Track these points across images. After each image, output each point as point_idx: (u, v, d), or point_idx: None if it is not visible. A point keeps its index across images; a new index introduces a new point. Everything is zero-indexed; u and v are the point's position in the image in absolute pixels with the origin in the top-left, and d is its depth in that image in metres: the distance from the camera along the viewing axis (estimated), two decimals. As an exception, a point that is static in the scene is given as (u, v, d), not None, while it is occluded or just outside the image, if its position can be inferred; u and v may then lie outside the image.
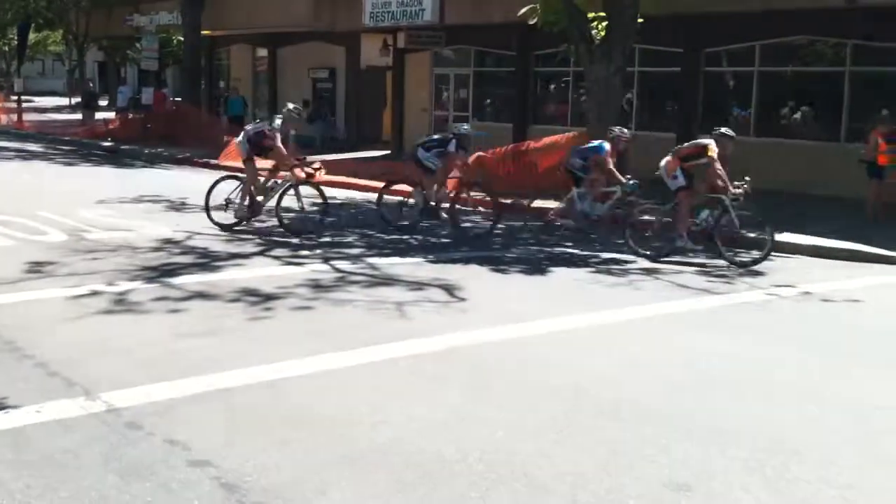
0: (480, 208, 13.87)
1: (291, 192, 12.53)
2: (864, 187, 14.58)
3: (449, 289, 9.27)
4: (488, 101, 24.94)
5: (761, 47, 18.89)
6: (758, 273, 10.79)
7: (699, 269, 10.93)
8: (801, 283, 10.24)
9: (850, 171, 14.98)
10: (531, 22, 16.73)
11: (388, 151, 25.18)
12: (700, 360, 7.12)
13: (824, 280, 10.48)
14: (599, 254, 11.66)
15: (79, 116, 34.44)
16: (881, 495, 4.73)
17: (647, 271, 10.74)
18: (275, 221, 12.48)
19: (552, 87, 23.54)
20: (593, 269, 10.76)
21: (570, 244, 12.17)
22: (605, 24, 16.02)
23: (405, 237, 12.33)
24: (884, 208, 14.24)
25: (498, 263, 10.95)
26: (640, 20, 15.86)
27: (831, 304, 9.41)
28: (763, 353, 7.39)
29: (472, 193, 13.57)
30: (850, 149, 16.09)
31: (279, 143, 12.29)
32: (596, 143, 12.99)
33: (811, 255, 11.91)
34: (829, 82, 18.25)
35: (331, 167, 20.22)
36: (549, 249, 11.86)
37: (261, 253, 11.09)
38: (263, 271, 9.90)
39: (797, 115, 18.87)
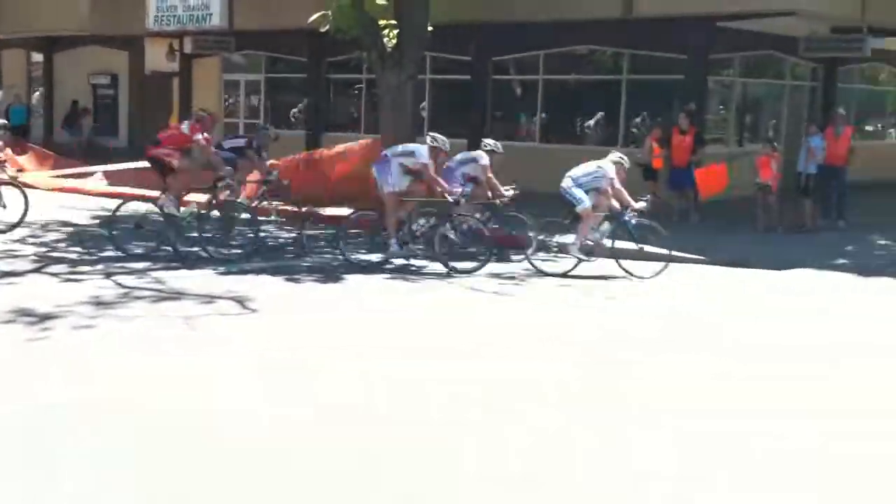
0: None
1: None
2: (641, 189, 15.30)
3: (240, 301, 9.02)
4: (281, 107, 24.60)
5: (545, 56, 19.59)
6: (546, 274, 11.14)
7: (490, 273, 11.12)
8: (591, 282, 10.65)
9: (629, 175, 15.68)
10: (323, 29, 16.60)
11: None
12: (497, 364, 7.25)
13: (609, 278, 10.94)
14: (394, 260, 11.67)
15: None
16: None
17: (441, 276, 10.86)
18: None
19: (345, 93, 23.51)
20: (389, 276, 10.77)
21: (364, 251, 12.12)
22: (396, 31, 16.12)
23: (195, 249, 11.89)
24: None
25: (291, 273, 10.77)
26: (430, 28, 16.07)
27: (615, 301, 9.82)
28: (554, 355, 7.61)
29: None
30: (627, 153, 16.90)
31: None
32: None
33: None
34: (608, 90, 19.16)
35: (110, 177, 19.40)
36: (343, 257, 11.77)
37: (36, 270, 10.42)
38: (39, 290, 9.30)
39: (580, 121, 19.67)
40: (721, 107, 19.34)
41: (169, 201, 11.72)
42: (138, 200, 12.83)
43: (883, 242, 14.03)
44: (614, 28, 17.80)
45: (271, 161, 14.29)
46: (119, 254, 11.47)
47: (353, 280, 10.51)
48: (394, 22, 16.30)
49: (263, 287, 9.84)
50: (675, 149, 15.10)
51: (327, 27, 16.45)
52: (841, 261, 12.26)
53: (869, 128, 23.95)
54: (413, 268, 11.36)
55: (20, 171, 12.60)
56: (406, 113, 16.03)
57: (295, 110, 24.31)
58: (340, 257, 11.63)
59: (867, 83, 23.50)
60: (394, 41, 16.08)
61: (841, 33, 18.70)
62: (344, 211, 13.12)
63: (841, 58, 20.02)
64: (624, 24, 17.45)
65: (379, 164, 11.70)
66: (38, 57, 30.36)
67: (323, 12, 16.44)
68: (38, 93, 30.29)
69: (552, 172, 11.90)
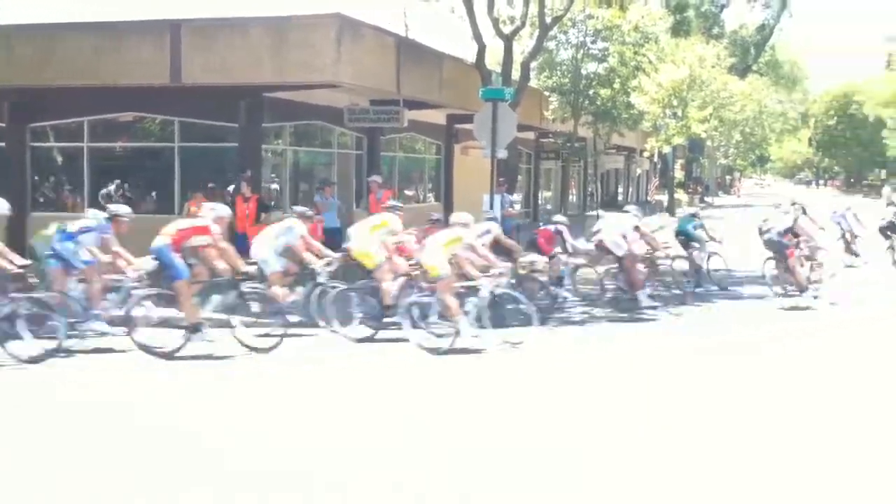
0: None
1: None
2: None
3: None
4: None
5: (90, 123, 18.63)
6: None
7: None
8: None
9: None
10: None
11: None
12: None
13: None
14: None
15: None
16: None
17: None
18: None
19: None
20: None
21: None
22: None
23: None
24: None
25: None
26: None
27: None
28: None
29: None
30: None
31: None
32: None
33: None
34: (160, 157, 18.66)
35: None
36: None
37: None
38: None
39: (125, 189, 18.76)
40: (273, 175, 19.64)
41: None
42: None
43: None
44: (163, 95, 17.36)
45: None
46: None
47: None
48: None
49: None
50: (240, 216, 15.07)
51: None
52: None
53: (409, 192, 25.80)
54: None
55: None
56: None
57: None
58: None
59: (406, 152, 25.36)
60: None
61: (379, 105, 19.99)
62: None
63: (381, 128, 21.39)
64: (173, 92, 17.08)
65: None
66: None
67: None
68: None
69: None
